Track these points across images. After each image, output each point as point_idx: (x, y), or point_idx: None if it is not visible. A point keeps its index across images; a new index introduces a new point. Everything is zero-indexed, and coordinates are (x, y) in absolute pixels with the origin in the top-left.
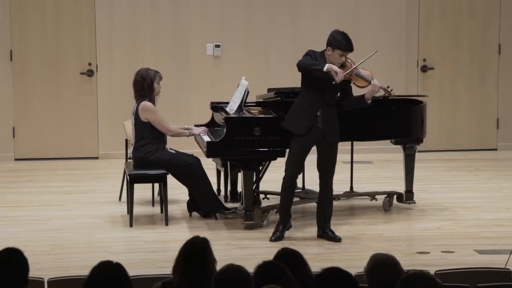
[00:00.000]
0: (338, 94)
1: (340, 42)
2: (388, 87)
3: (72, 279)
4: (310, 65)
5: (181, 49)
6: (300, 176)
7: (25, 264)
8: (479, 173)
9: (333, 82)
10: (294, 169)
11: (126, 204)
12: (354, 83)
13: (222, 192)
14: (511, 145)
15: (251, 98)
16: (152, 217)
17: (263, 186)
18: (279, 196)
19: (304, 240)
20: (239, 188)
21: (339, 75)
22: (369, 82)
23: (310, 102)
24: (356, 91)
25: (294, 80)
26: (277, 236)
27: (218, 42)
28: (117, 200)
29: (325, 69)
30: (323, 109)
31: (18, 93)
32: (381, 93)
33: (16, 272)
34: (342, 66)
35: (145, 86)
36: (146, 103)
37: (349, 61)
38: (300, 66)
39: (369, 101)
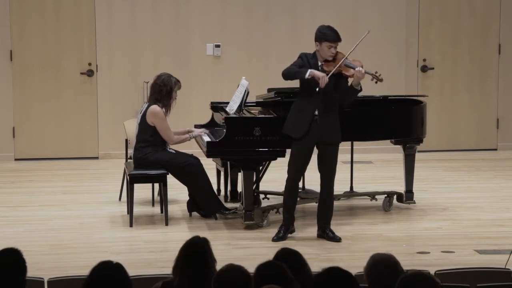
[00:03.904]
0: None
1: (326, 33)
2: (376, 72)
3: (72, 279)
4: (293, 74)
5: (181, 49)
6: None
7: (23, 264)
8: (479, 173)
9: (317, 89)
10: (295, 173)
11: (126, 204)
12: (344, 74)
13: (222, 192)
14: (511, 145)
15: (251, 98)
16: (152, 217)
17: (263, 186)
18: (282, 197)
19: (304, 240)
20: (239, 188)
21: (322, 80)
22: (354, 69)
23: (305, 104)
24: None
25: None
26: (279, 237)
27: (218, 42)
28: (117, 200)
29: (306, 75)
30: (320, 110)
31: (18, 93)
32: (369, 78)
33: (14, 272)
34: (334, 59)
35: (163, 91)
36: (156, 108)
37: (341, 56)
38: (284, 76)
39: (358, 87)
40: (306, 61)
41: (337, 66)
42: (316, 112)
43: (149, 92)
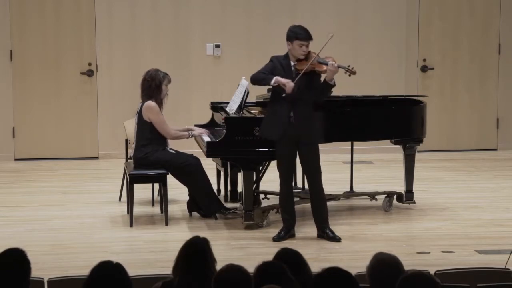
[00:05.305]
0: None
1: (297, 32)
2: (349, 65)
3: (72, 279)
4: (260, 80)
5: (181, 49)
6: (299, 176)
7: (27, 265)
8: (479, 173)
9: (283, 95)
10: (284, 175)
11: (126, 204)
12: (317, 70)
13: (222, 192)
14: (511, 145)
15: (251, 98)
16: (152, 217)
17: (263, 186)
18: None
19: (304, 240)
20: (239, 188)
21: (287, 86)
22: (326, 64)
23: (280, 106)
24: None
25: None
26: (280, 236)
27: (218, 42)
28: (117, 200)
29: (272, 82)
30: (295, 110)
31: (18, 93)
32: (342, 72)
33: (18, 273)
34: (306, 58)
35: (152, 86)
36: (150, 103)
37: (313, 54)
38: (252, 81)
39: (332, 82)
40: (277, 63)
41: (309, 63)
42: (291, 113)
43: (140, 90)
